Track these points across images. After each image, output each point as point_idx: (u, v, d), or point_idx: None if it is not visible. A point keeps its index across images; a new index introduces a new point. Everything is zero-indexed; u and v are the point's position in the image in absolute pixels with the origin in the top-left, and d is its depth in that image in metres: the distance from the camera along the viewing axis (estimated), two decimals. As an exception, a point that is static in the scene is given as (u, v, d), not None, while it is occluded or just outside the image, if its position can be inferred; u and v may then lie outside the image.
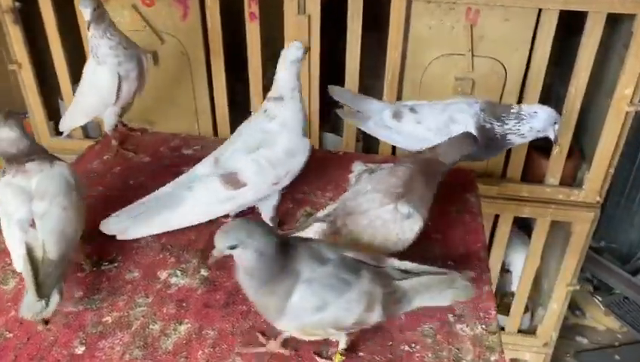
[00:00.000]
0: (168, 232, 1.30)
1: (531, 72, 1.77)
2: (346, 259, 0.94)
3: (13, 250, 1.01)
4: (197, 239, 1.30)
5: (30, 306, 0.94)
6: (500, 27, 1.73)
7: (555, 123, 1.36)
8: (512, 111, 1.37)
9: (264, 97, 1.30)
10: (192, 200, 1.26)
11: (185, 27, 1.90)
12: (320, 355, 1.02)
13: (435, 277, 0.98)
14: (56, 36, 1.96)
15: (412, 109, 1.47)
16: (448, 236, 1.34)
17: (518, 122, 1.35)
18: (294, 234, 1.12)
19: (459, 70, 1.81)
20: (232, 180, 1.23)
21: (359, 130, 2.03)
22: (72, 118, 1.64)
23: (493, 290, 2.23)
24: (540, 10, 1.67)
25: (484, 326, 1.10)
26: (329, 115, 2.15)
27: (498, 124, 1.36)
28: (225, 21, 1.88)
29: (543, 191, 1.98)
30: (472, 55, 1.76)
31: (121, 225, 1.26)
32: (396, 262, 0.98)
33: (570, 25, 1.77)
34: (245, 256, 0.86)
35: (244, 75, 1.96)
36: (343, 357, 1.00)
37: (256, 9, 1.80)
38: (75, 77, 2.06)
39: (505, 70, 1.79)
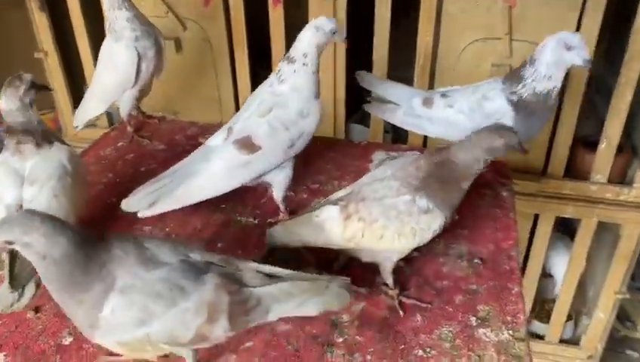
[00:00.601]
0: (174, 221, 1.24)
1: (576, 58, 1.61)
2: (188, 262, 0.82)
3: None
4: (203, 228, 1.23)
5: (1, 297, 0.89)
6: (542, 8, 1.59)
7: (569, 47, 1.19)
8: (524, 63, 1.24)
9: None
10: (208, 171, 1.21)
11: (207, 13, 1.84)
12: None
13: (300, 284, 0.85)
14: (82, 24, 1.94)
15: (443, 95, 1.37)
16: (476, 232, 1.22)
17: (534, 67, 1.22)
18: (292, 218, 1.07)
19: (496, 56, 1.67)
20: (247, 144, 1.19)
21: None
22: (88, 108, 1.56)
23: (533, 295, 2.11)
24: (587, -10, 1.52)
25: (510, 332, 0.98)
26: (357, 106, 2.05)
27: (521, 85, 1.23)
28: (248, 7, 1.81)
29: (588, 188, 1.81)
30: (511, 39, 1.63)
31: (143, 202, 1.21)
32: (256, 266, 0.87)
33: (620, 11, 1.61)
34: (29, 257, 0.74)
35: (268, 62, 1.89)
36: None
37: (279, -7, 1.73)
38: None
39: (547, 55, 1.64)
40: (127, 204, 1.21)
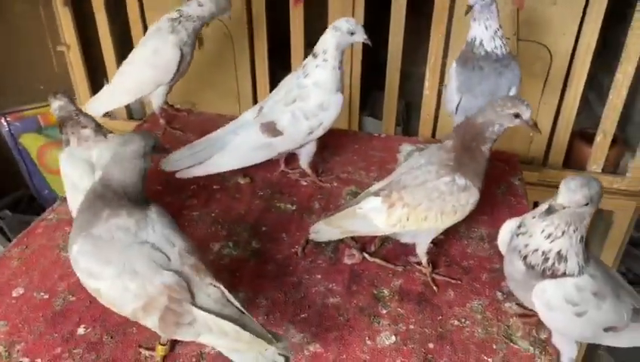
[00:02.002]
0: (219, 207, 1.34)
1: (577, 58, 1.75)
2: (161, 252, 0.86)
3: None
4: (246, 213, 1.33)
5: None
6: (547, 11, 1.71)
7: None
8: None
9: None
10: (235, 143, 1.37)
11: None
12: (142, 346, 0.98)
13: (241, 332, 0.82)
14: (105, 18, 2.00)
15: None
16: (494, 217, 1.34)
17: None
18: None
19: (503, 54, 1.79)
20: (270, 129, 1.34)
21: (399, 114, 2.05)
22: (112, 98, 1.64)
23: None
24: (589, -6, 1.65)
25: (533, 305, 1.10)
26: (369, 100, 2.16)
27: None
28: (269, 5, 1.89)
29: (584, 178, 1.95)
30: (518, 39, 1.75)
31: (180, 163, 1.37)
32: (225, 291, 0.87)
33: (614, 12, 1.74)
34: None
35: (287, 62, 1.98)
36: (164, 348, 0.96)
37: (300, -7, 1.82)
38: (121, 59, 2.12)
39: (550, 55, 1.77)
40: (167, 163, 1.38)
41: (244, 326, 0.83)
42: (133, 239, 0.86)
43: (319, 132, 1.37)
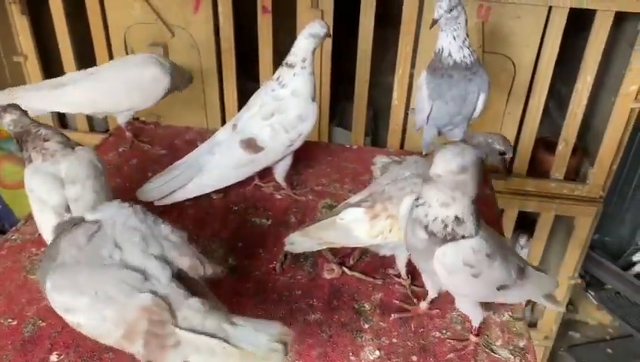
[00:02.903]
0: (192, 223, 1.31)
1: (540, 68, 1.81)
2: (136, 270, 0.80)
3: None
4: (221, 229, 1.31)
5: None
6: (511, 24, 1.76)
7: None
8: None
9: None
10: (214, 163, 1.36)
11: (196, 20, 1.90)
12: None
13: (228, 349, 0.77)
14: (64, 27, 1.94)
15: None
16: (468, 227, 1.36)
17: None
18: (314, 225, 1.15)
19: (469, 66, 1.83)
20: (251, 145, 1.34)
21: (367, 124, 2.06)
22: (81, 106, 1.56)
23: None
24: (550, 8, 1.70)
25: (510, 314, 1.13)
26: (337, 110, 2.17)
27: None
28: (236, 15, 1.88)
29: (548, 185, 2.02)
30: (483, 51, 1.79)
31: (157, 191, 1.34)
32: (199, 305, 0.81)
33: (572, 23, 1.81)
34: None
35: (254, 71, 1.96)
36: None
37: (268, 2, 1.81)
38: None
39: (514, 66, 1.82)
40: (143, 193, 1.34)
41: (230, 339, 0.78)
42: (99, 259, 0.80)
43: (298, 143, 1.37)
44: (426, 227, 0.97)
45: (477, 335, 1.07)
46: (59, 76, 2.05)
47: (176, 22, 1.91)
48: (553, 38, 1.75)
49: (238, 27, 1.91)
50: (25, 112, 1.12)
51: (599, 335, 2.79)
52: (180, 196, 1.35)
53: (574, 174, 2.08)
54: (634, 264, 2.86)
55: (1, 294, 1.08)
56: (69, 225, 0.86)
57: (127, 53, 1.97)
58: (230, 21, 1.87)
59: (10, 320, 1.03)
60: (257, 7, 1.83)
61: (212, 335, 0.78)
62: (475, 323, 1.06)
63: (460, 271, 0.96)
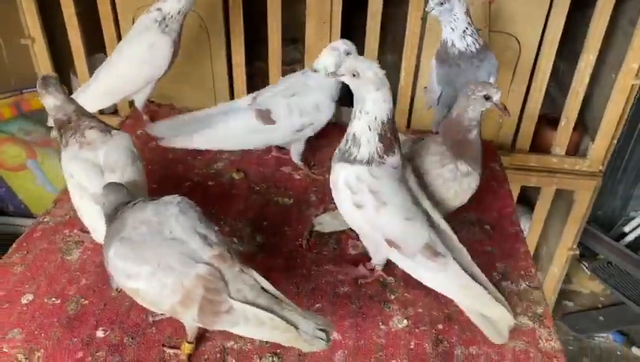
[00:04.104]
0: (217, 203, 1.35)
1: (544, 47, 1.85)
2: (188, 246, 0.88)
3: (95, 223, 1.04)
4: (246, 209, 1.35)
5: None
6: (517, 4, 1.79)
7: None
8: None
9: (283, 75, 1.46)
10: (224, 124, 1.41)
11: (205, 1, 1.90)
12: (165, 345, 1.00)
13: (277, 321, 0.86)
14: (72, 9, 1.93)
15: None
16: (480, 202, 1.41)
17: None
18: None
19: (475, 45, 1.87)
20: (264, 116, 1.39)
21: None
22: (99, 99, 1.58)
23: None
24: (556, -13, 1.74)
25: (527, 283, 1.19)
26: (343, 89, 2.19)
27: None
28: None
29: (549, 161, 2.08)
30: (490, 30, 1.82)
31: (165, 132, 1.43)
32: (255, 276, 0.91)
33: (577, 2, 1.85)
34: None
35: (264, 54, 1.98)
36: (191, 346, 0.97)
37: (278, -16, 1.82)
38: (90, 51, 2.07)
39: (519, 45, 1.86)
40: (153, 129, 1.43)
41: (279, 315, 0.86)
42: (161, 236, 0.88)
43: (307, 132, 1.42)
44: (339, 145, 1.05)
45: (371, 270, 1.14)
46: (69, 61, 2.10)
47: (185, 3, 1.91)
48: (557, 18, 1.78)
49: (247, 8, 1.92)
50: (69, 98, 1.12)
51: (592, 303, 2.89)
52: (181, 143, 1.42)
53: (575, 150, 2.14)
54: (625, 234, 2.95)
55: (41, 275, 1.12)
56: (121, 197, 0.94)
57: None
58: (239, 1, 1.88)
59: (53, 299, 1.07)
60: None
61: (262, 308, 0.86)
62: (375, 261, 1.13)
63: (342, 191, 1.02)
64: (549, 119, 2.11)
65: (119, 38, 1.98)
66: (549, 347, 1.05)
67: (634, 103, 1.95)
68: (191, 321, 0.90)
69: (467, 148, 1.15)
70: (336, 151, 1.07)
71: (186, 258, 0.87)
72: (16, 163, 2.53)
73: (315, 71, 1.39)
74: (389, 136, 1.02)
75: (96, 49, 2.10)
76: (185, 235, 0.89)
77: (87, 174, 1.06)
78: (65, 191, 1.33)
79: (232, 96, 2.09)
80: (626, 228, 2.94)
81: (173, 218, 0.90)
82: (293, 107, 1.38)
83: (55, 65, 2.10)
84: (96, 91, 1.59)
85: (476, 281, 1.04)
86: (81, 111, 1.12)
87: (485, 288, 1.04)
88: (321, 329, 0.88)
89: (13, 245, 1.19)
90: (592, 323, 2.75)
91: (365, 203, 1.01)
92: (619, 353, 2.60)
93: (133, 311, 1.05)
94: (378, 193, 1.01)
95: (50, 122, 1.57)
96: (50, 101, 1.10)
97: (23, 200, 2.56)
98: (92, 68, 1.99)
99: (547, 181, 2.12)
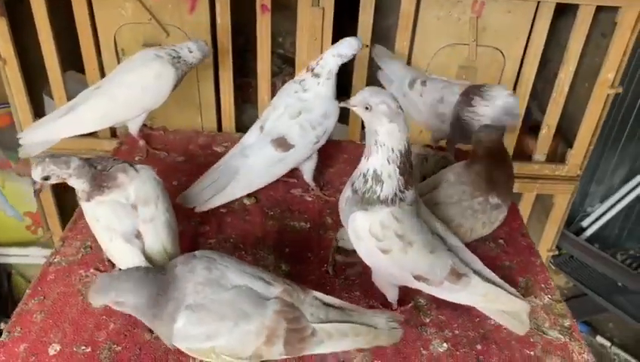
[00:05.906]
0: (234, 231, 1.32)
1: (527, 60, 1.92)
2: (252, 289, 0.89)
3: (129, 261, 1.00)
4: (264, 236, 1.33)
5: None
6: (503, 18, 1.85)
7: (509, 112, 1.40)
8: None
9: (272, 94, 1.49)
10: (248, 166, 1.40)
11: (192, 20, 1.85)
12: None
13: (355, 327, 0.92)
14: (50, 33, 1.84)
15: (423, 82, 1.61)
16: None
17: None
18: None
19: (463, 59, 1.91)
20: (282, 143, 1.39)
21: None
22: (94, 122, 1.50)
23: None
24: (539, 3, 1.80)
25: (549, 296, 1.23)
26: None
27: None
28: (233, 13, 1.85)
29: (531, 167, 2.15)
30: (476, 45, 1.87)
31: (199, 198, 1.38)
32: (315, 294, 0.95)
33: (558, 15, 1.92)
34: (122, 309, 0.88)
35: (250, 69, 1.95)
36: None
37: (268, 1, 1.80)
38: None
39: (504, 58, 1.92)
40: (184, 199, 1.36)
41: (356, 322, 0.92)
42: (224, 289, 0.87)
43: (323, 140, 1.43)
44: (353, 184, 1.00)
45: (401, 305, 1.14)
46: (41, 81, 1.98)
47: (171, 21, 1.85)
48: (540, 31, 1.86)
49: (235, 23, 1.88)
50: (82, 163, 1.00)
51: (556, 296, 3.04)
52: (219, 201, 1.38)
53: (553, 155, 2.23)
54: (584, 229, 3.09)
55: (65, 321, 1.06)
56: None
57: (117, 55, 1.90)
58: (227, 21, 1.84)
59: (83, 348, 1.02)
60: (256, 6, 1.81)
61: (340, 321, 0.92)
62: (391, 300, 1.13)
63: (366, 239, 0.99)
64: (530, 127, 2.19)
65: (99, 57, 1.90)
66: (583, 360, 1.08)
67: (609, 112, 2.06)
68: (277, 357, 0.90)
69: (504, 171, 1.18)
70: (348, 193, 1.01)
71: (257, 299, 0.88)
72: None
73: (317, 75, 1.37)
74: (408, 168, 0.98)
75: (69, 66, 2.01)
76: (243, 281, 0.89)
77: (117, 215, 1.01)
78: (72, 228, 1.28)
79: (218, 114, 2.04)
80: (584, 223, 3.07)
81: (224, 269, 0.90)
82: (305, 125, 1.39)
83: (27, 84, 1.98)
84: (85, 115, 1.49)
85: (491, 283, 1.07)
86: (95, 164, 1.03)
87: (500, 287, 1.07)
88: (391, 321, 0.95)
89: (27, 290, 1.11)
90: (556, 314, 2.88)
91: (392, 247, 0.99)
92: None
93: (171, 355, 1.01)
94: (404, 236, 0.99)
95: (22, 153, 1.52)
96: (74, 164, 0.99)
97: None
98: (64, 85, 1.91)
99: (529, 187, 2.20)
